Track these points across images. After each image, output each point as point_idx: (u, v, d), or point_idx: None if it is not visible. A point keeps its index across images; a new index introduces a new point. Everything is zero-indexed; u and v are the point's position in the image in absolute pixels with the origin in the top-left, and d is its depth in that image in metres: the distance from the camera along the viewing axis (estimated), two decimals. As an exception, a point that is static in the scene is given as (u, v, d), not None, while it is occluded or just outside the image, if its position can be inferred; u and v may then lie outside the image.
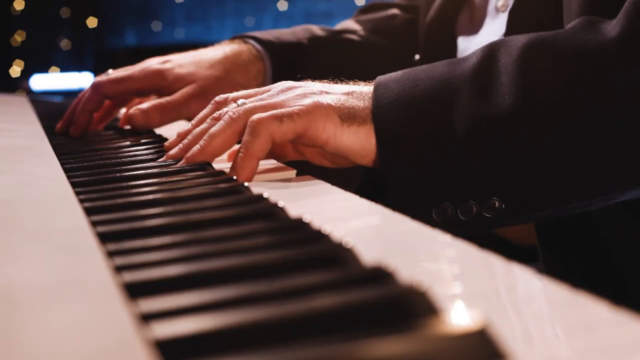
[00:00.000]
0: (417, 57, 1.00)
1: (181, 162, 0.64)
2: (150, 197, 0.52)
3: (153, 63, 0.93)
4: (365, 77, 0.70)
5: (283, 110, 0.62)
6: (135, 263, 0.36)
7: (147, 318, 0.29)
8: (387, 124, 0.63)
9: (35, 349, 0.26)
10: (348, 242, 0.37)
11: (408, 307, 0.29)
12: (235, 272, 0.34)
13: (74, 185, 0.55)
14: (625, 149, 0.61)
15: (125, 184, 0.57)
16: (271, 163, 0.69)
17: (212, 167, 0.63)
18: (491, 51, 0.64)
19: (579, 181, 0.61)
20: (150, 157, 0.69)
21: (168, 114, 0.88)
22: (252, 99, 0.67)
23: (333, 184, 0.59)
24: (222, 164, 0.67)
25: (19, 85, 3.70)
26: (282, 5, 3.80)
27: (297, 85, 0.67)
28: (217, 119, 0.66)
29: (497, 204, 0.61)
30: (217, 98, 0.70)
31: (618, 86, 0.60)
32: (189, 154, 0.64)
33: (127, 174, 0.61)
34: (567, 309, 0.31)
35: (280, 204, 0.47)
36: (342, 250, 0.36)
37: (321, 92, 0.65)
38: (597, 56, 0.61)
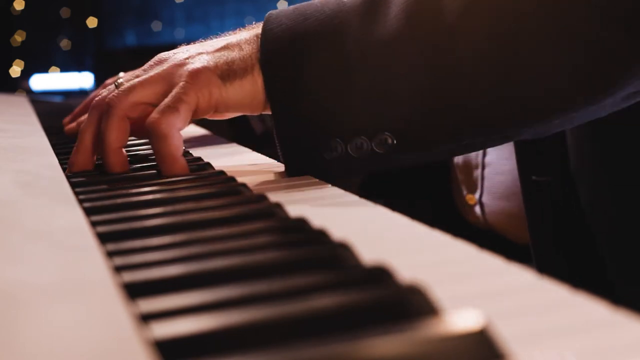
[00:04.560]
0: None
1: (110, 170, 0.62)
2: (150, 197, 0.52)
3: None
4: None
5: (171, 99, 0.60)
6: (135, 263, 0.36)
7: (146, 318, 0.29)
8: (273, 62, 0.61)
9: (34, 348, 0.26)
10: (348, 242, 0.37)
11: (408, 307, 0.29)
12: (236, 272, 0.34)
13: (74, 185, 0.55)
14: (520, 79, 0.58)
15: (125, 183, 0.57)
16: (271, 163, 0.69)
17: (212, 166, 0.63)
18: None
19: (471, 113, 0.59)
20: (150, 157, 0.69)
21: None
22: (127, 76, 0.66)
23: (333, 183, 0.59)
24: (222, 164, 0.67)
25: (19, 85, 3.70)
26: (282, 6, 3.80)
27: (167, 56, 0.65)
28: (99, 106, 0.63)
29: (389, 139, 0.59)
30: (94, 101, 0.66)
31: (509, 9, 0.57)
32: (107, 168, 0.62)
33: (127, 174, 0.61)
34: (566, 308, 0.31)
35: (280, 204, 0.47)
36: (342, 250, 0.36)
37: (195, 55, 0.63)
38: None
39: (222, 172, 0.60)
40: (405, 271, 0.34)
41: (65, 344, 0.26)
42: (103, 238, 0.40)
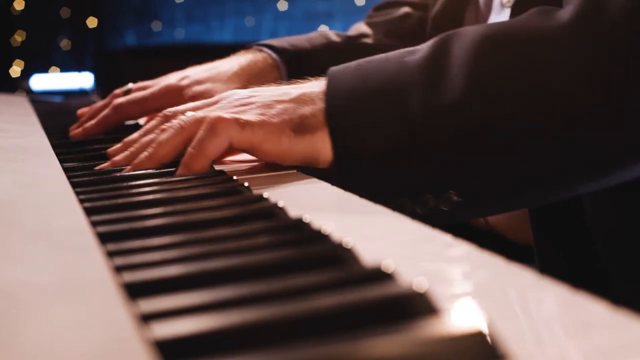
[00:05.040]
0: None
1: (128, 168, 0.64)
2: (150, 197, 0.52)
3: (172, 80, 0.93)
4: None
5: (243, 116, 0.62)
6: (135, 263, 0.36)
7: (147, 318, 0.29)
8: (340, 123, 0.62)
9: (35, 348, 0.26)
10: (348, 242, 0.37)
11: (408, 308, 0.29)
12: (235, 272, 0.34)
13: (74, 185, 0.55)
14: (578, 137, 0.60)
15: (125, 184, 0.57)
16: (271, 163, 0.69)
17: (212, 166, 0.63)
18: (443, 42, 0.64)
19: (533, 172, 0.61)
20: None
21: None
22: (201, 111, 0.66)
23: (334, 183, 0.59)
24: (222, 164, 0.67)
25: (19, 85, 3.70)
26: (282, 5, 3.80)
27: (244, 96, 0.66)
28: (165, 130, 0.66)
29: (453, 196, 0.60)
30: (165, 110, 0.70)
31: (567, 70, 0.59)
32: (136, 160, 0.64)
33: (127, 174, 0.61)
34: (567, 309, 0.31)
35: (280, 204, 0.47)
36: (342, 250, 0.36)
37: (270, 104, 0.64)
38: (546, 41, 0.60)
39: (222, 172, 0.60)
40: (406, 271, 0.34)
41: (65, 344, 0.26)
42: (103, 238, 0.40)
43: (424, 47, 0.65)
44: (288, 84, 0.68)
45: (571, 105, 0.59)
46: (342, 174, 0.63)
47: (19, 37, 3.85)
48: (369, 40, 1.05)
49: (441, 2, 0.95)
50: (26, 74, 3.88)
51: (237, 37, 3.71)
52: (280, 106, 0.64)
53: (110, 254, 0.37)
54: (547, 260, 0.77)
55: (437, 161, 0.61)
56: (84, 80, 3.89)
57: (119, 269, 0.35)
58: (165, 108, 0.92)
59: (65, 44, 3.95)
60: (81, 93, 3.76)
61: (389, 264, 0.33)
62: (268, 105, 0.64)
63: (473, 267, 0.37)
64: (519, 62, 0.61)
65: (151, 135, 0.66)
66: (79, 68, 3.94)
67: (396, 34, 1.08)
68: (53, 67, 3.94)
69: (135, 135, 0.69)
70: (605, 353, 0.26)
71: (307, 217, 0.43)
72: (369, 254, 0.37)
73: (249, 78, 0.93)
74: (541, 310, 0.31)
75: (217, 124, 0.61)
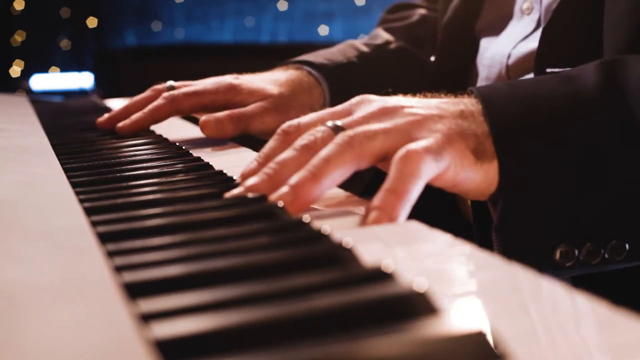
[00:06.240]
0: (432, 58, 1.00)
1: (288, 199, 0.49)
2: (150, 197, 0.52)
3: (224, 78, 0.91)
4: (411, 89, 0.61)
5: (431, 142, 0.50)
6: (135, 263, 0.36)
7: (147, 318, 0.29)
8: (513, 160, 0.53)
9: (35, 348, 0.26)
10: (348, 242, 0.37)
11: (408, 308, 0.29)
12: (235, 272, 0.34)
13: (74, 185, 0.56)
14: None
15: (125, 184, 0.57)
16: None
17: (211, 167, 0.63)
18: (612, 71, 0.56)
19: None
20: (150, 157, 0.69)
21: (240, 125, 0.84)
22: (347, 120, 0.54)
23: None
24: (222, 164, 0.67)
25: (19, 85, 3.70)
26: (282, 5, 3.80)
27: (398, 105, 0.54)
28: (311, 147, 0.52)
29: (622, 247, 0.55)
30: (283, 126, 0.57)
31: None
32: (296, 181, 0.49)
33: (127, 174, 0.61)
34: (567, 308, 0.31)
35: (280, 204, 0.47)
36: (342, 250, 0.36)
37: (437, 118, 0.53)
38: None
39: (222, 172, 0.60)
40: (405, 271, 0.34)
41: (65, 344, 0.26)
42: (103, 238, 0.40)
43: (586, 73, 0.57)
44: (420, 97, 0.57)
45: None
46: (506, 213, 0.54)
47: (19, 37, 3.86)
48: (393, 46, 1.05)
49: (452, 10, 0.95)
50: (26, 74, 3.89)
51: (237, 37, 3.71)
52: (447, 122, 0.52)
53: (110, 254, 0.37)
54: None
55: (608, 211, 0.54)
56: (84, 80, 3.90)
57: (119, 269, 0.35)
58: (219, 104, 0.87)
59: (65, 44, 3.95)
60: (81, 93, 3.76)
61: (389, 264, 0.33)
62: (432, 119, 0.52)
63: (474, 267, 0.37)
64: None
65: (289, 153, 0.53)
66: (79, 68, 3.95)
67: (416, 40, 1.08)
68: (53, 67, 3.94)
69: (261, 155, 0.57)
70: (606, 353, 0.26)
71: (307, 217, 0.43)
72: (369, 254, 0.37)
73: (298, 88, 0.92)
74: (542, 310, 0.31)
75: (414, 160, 0.48)
